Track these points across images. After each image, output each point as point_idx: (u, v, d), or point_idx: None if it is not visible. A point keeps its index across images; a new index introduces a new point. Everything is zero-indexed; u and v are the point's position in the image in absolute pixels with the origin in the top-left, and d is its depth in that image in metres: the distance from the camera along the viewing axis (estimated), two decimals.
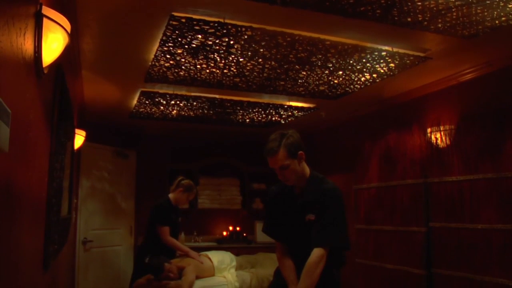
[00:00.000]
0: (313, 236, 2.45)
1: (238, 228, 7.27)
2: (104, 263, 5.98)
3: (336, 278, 2.62)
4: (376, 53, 3.46)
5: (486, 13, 2.78)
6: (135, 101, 4.93)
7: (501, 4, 2.66)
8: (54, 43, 1.69)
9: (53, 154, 2.20)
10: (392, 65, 3.70)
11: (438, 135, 4.18)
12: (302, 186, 2.59)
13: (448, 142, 4.07)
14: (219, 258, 4.47)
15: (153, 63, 3.63)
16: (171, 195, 4.58)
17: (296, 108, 5.21)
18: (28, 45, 1.42)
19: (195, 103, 4.98)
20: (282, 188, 2.66)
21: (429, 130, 4.29)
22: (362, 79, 4.07)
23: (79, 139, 4.39)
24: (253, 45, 3.26)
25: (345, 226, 2.51)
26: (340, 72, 3.88)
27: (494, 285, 3.50)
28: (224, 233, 7.20)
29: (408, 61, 3.62)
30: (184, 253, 4.37)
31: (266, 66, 3.70)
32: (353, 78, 4.04)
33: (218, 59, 3.56)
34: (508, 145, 3.51)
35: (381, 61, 3.61)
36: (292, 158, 2.45)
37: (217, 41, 3.17)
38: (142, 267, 4.12)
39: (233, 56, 3.48)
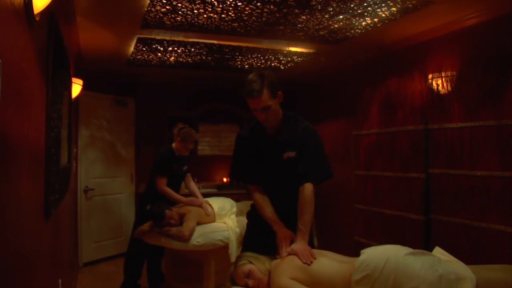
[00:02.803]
0: (303, 171, 2.51)
1: None
2: (106, 210, 6.09)
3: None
4: None
5: None
6: (132, 48, 4.84)
7: None
8: None
9: (49, 103, 2.17)
10: (393, 9, 3.61)
11: (439, 81, 4.13)
12: (275, 126, 2.58)
13: (449, 88, 4.03)
14: (220, 204, 4.50)
15: (149, 8, 3.54)
16: (173, 144, 4.56)
17: (296, 53, 5.13)
18: None
19: (193, 49, 4.89)
20: (252, 130, 2.67)
21: (430, 76, 4.24)
22: (363, 23, 3.98)
23: (76, 88, 4.33)
24: None
25: (327, 158, 2.61)
26: (341, 16, 3.79)
27: (491, 231, 3.56)
28: (224, 180, 7.28)
29: (410, 5, 3.52)
30: (187, 203, 4.36)
31: (265, 10, 3.61)
32: (353, 22, 3.95)
33: (216, 4, 3.46)
34: (510, 92, 3.47)
35: (383, 4, 3.51)
36: (274, 98, 2.44)
37: None
38: (144, 214, 4.17)
39: (230, 0, 3.39)
